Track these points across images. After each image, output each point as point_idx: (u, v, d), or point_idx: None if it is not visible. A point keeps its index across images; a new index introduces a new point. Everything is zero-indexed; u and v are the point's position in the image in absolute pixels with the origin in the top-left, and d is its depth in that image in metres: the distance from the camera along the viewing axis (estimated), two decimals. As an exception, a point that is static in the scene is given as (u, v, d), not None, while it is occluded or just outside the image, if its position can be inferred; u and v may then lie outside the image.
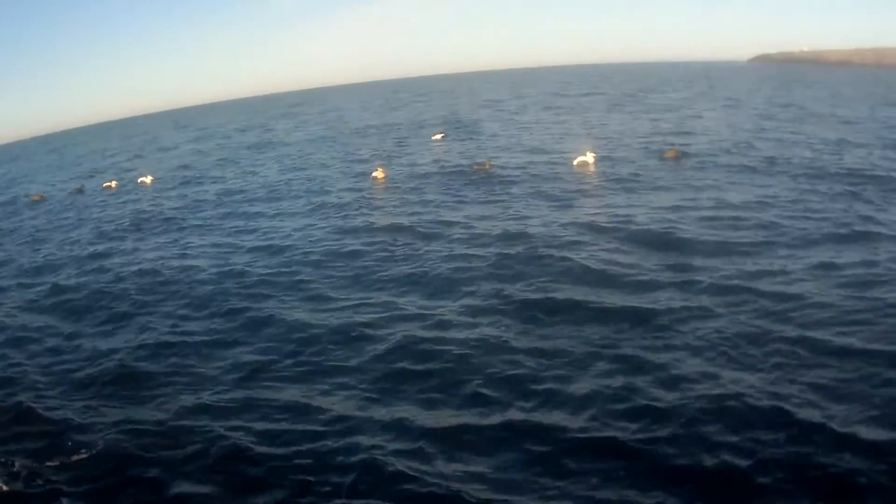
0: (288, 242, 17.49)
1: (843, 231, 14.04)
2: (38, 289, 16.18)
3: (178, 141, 66.38)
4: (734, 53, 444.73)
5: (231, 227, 20.36)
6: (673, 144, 25.91)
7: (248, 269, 15.38)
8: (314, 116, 74.45)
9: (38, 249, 21.15)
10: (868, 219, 14.79)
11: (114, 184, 34.35)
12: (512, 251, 14.36)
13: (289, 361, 10.41)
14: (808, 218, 15.20)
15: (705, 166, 22.17)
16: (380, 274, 14.00)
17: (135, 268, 16.88)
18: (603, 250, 14.03)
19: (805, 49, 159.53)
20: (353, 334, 10.97)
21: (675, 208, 16.83)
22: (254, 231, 19.50)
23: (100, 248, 19.94)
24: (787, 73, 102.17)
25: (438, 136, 36.70)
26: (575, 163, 23.74)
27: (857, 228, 14.17)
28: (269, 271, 15.06)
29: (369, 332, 10.98)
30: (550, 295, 11.74)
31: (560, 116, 44.79)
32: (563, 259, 13.53)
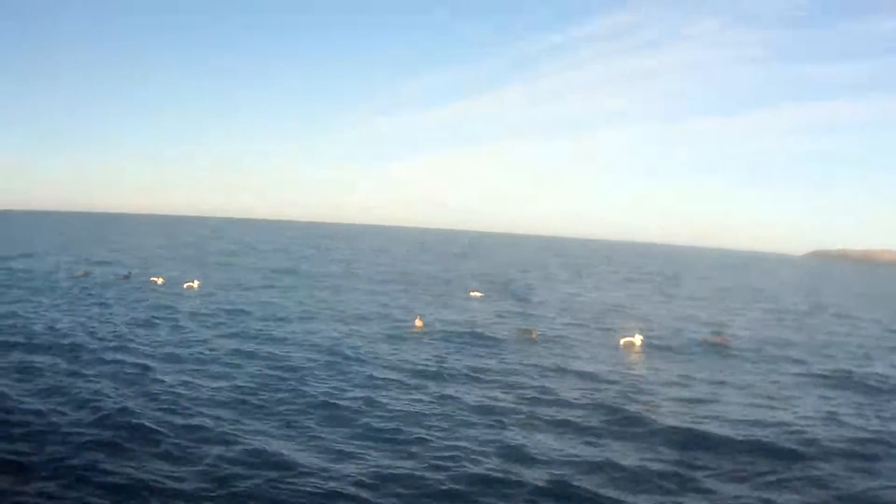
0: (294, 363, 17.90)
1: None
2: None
3: (227, 250, 69.77)
4: (789, 246, 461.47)
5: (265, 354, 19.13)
6: (719, 332, 26.46)
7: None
8: (368, 254, 76.48)
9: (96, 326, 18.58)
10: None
11: (160, 280, 34.97)
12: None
13: None
14: (840, 424, 14.80)
15: (745, 359, 22.12)
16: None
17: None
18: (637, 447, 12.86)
19: (859, 248, 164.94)
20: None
21: (710, 400, 16.39)
22: (260, 356, 18.85)
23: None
24: (839, 271, 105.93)
25: (476, 294, 37.15)
26: (622, 342, 23.60)
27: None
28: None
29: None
30: None
31: (611, 292, 45.89)
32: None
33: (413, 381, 16.69)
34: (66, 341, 19.10)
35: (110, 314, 24.38)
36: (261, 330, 22.87)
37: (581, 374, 18.58)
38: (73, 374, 15.69)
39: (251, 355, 18.73)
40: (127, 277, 36.22)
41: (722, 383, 18.39)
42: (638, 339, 23.42)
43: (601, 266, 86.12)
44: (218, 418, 12.91)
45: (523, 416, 14.13)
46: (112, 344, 19.25)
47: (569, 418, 14.16)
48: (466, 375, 17.69)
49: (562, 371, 18.91)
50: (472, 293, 37.49)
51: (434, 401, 14.99)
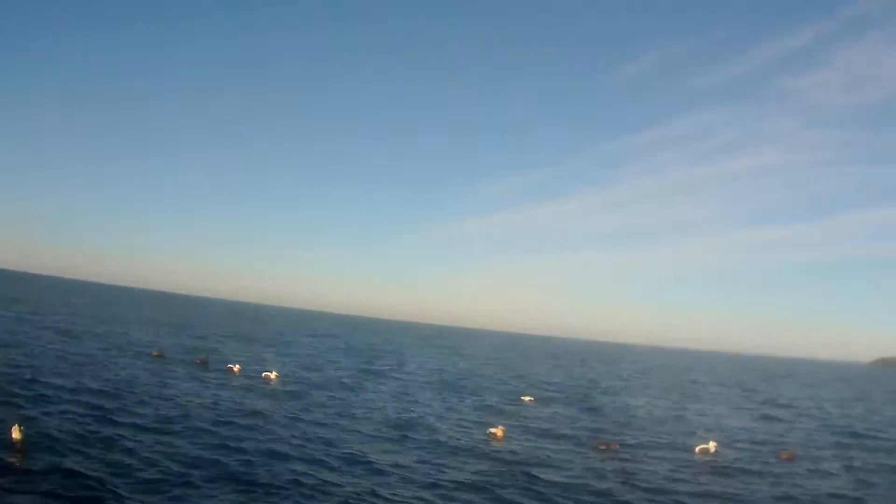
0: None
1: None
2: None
3: (310, 342, 71.49)
4: (855, 353, 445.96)
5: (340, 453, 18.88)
6: (786, 447, 26.77)
7: None
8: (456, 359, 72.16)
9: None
10: None
11: (237, 368, 34.86)
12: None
13: None
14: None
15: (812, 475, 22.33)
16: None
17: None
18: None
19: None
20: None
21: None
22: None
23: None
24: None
25: (528, 399, 36.97)
26: (697, 449, 24.23)
27: None
28: None
29: None
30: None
31: (685, 403, 45.97)
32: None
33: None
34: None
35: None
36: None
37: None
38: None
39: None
40: (204, 362, 36.75)
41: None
42: (712, 446, 24.02)
43: (679, 376, 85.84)
44: None
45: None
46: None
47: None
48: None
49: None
50: (524, 398, 37.41)
51: None
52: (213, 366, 35.93)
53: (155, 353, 38.14)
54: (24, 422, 16.28)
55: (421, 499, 15.49)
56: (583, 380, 59.62)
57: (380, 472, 17.30)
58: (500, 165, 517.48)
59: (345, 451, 19.31)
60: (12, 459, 14.50)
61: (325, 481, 15.84)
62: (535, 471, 19.07)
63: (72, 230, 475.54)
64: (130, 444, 16.95)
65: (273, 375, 33.97)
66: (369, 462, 18.26)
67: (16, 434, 15.36)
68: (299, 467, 16.84)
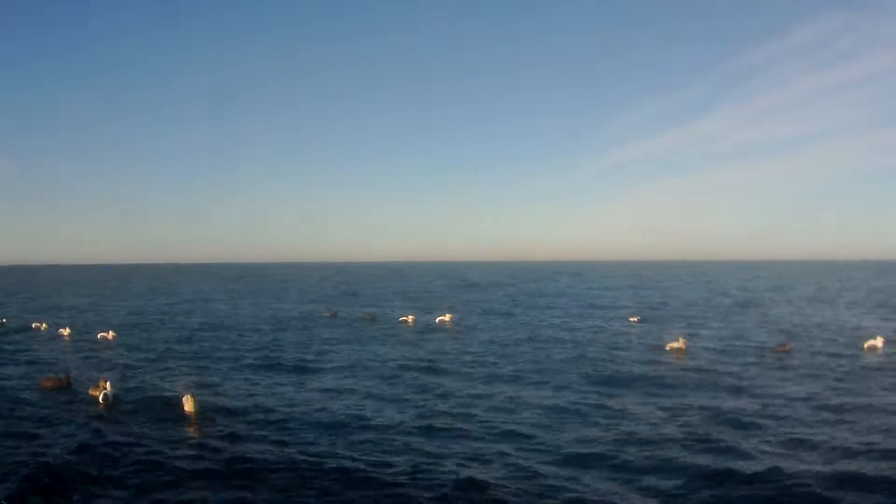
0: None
1: None
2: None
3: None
4: None
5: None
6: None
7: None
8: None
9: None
10: None
11: (410, 319, 37.09)
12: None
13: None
14: None
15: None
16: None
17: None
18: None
19: None
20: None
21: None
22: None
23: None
24: None
25: (634, 319, 37.54)
26: (865, 345, 24.94)
27: None
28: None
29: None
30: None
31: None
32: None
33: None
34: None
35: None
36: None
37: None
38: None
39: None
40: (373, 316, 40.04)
41: None
42: (879, 342, 24.81)
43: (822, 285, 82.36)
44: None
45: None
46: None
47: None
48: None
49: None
50: (630, 318, 38.15)
51: None
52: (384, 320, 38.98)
53: (329, 314, 42.10)
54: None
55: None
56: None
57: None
58: (633, 93, 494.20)
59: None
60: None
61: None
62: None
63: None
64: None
65: (447, 318, 36.11)
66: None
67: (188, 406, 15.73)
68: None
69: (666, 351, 24.69)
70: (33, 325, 35.43)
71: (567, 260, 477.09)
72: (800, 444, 12.65)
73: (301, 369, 22.20)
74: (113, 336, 30.20)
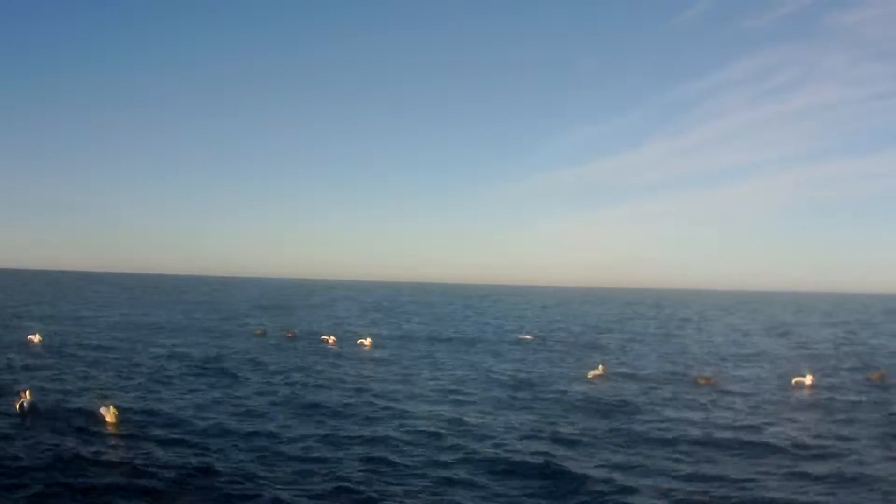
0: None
1: None
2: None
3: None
4: None
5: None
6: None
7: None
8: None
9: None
10: None
11: (331, 339, 36.49)
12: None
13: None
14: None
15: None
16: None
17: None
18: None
19: None
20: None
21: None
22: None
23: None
24: None
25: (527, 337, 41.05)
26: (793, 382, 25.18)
27: None
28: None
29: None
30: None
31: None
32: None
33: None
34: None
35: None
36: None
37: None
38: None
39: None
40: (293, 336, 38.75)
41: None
42: (808, 380, 24.76)
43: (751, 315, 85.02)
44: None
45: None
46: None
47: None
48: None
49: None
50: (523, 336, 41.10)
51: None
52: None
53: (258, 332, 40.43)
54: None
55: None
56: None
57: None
58: (566, 121, 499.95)
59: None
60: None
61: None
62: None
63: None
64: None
65: (368, 342, 35.19)
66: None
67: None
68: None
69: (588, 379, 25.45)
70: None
71: (494, 283, 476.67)
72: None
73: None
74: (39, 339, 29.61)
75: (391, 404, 19.29)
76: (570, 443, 15.34)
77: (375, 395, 20.65)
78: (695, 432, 16.59)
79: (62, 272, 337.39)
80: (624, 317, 75.16)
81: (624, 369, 28.25)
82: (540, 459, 13.63)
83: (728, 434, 16.56)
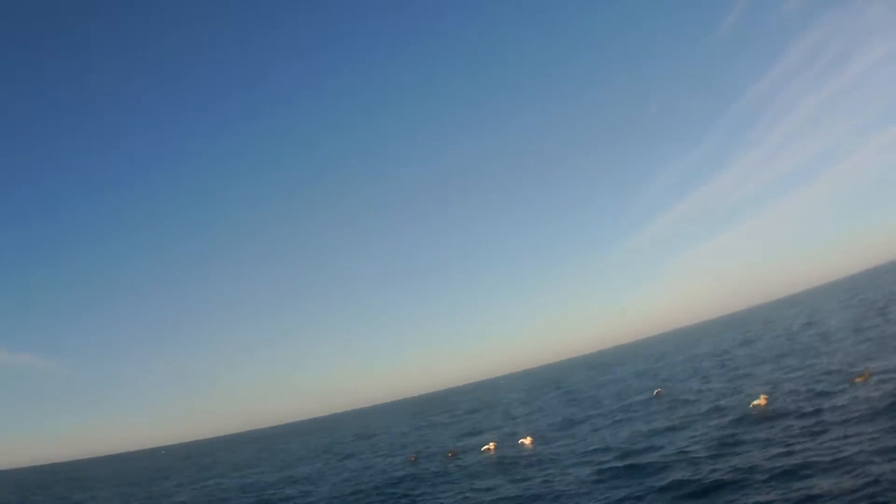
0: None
1: None
2: None
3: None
4: None
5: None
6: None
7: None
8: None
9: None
10: None
11: (492, 446, 35.49)
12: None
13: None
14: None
15: None
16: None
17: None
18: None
19: None
20: None
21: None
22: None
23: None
24: None
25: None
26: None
27: None
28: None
29: None
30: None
31: None
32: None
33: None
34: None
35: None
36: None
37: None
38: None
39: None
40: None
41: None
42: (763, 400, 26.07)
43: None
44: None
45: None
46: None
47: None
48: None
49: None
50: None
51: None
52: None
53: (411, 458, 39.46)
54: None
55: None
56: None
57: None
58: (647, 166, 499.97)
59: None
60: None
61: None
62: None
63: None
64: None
65: (528, 441, 34.31)
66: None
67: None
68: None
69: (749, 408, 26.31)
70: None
71: (615, 345, 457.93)
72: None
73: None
74: None
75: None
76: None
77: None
78: None
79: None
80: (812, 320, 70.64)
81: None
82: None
83: None
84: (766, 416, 24.39)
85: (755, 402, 26.44)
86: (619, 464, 23.42)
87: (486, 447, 36.01)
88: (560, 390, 78.86)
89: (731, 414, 27.05)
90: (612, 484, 20.96)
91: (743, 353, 57.10)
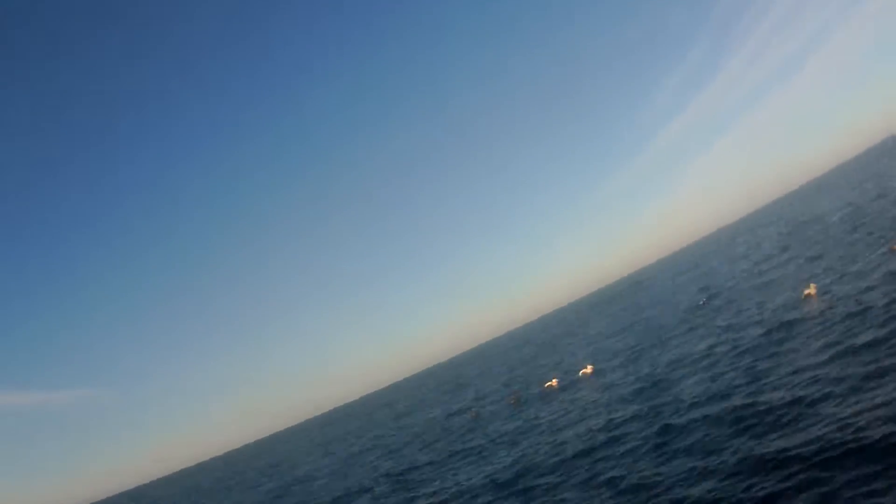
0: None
1: None
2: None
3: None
4: None
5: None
6: None
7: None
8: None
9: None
10: None
11: (554, 382, 35.56)
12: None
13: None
14: None
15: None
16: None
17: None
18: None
19: None
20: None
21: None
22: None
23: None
24: None
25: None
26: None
27: None
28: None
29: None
30: None
31: None
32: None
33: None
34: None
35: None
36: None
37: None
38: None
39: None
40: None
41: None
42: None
43: None
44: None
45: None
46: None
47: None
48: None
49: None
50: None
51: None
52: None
53: (511, 401, 37.97)
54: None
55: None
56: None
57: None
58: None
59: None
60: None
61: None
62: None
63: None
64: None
65: (589, 370, 33.97)
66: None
67: None
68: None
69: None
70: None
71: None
72: None
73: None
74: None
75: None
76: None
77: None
78: None
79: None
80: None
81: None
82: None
83: None
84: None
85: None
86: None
87: (548, 383, 35.84)
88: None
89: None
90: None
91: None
